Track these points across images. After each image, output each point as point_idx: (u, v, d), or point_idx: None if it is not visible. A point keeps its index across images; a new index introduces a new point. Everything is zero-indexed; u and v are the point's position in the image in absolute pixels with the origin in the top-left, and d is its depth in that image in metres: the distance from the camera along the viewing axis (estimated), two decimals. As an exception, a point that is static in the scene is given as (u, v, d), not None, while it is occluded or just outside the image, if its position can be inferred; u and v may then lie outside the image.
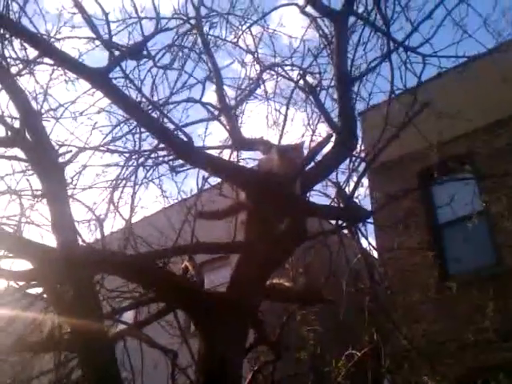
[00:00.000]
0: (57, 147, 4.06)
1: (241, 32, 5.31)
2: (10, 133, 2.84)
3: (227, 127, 4.44)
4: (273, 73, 5.06)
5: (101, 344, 2.28)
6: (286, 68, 5.19)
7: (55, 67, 4.03)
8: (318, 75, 4.56)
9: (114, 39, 4.46)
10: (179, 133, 3.30)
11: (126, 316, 5.26)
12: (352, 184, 4.32)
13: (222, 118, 4.57)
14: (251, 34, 5.34)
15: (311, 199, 4.78)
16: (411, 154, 8.53)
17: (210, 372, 2.50)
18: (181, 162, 4.05)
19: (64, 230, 2.33)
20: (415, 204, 8.65)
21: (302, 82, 4.13)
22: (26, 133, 2.71)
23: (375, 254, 6.36)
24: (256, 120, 5.84)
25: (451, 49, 4.49)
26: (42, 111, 3.65)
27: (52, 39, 4.40)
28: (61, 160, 2.92)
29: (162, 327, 4.67)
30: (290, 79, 4.49)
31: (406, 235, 7.32)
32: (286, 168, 2.83)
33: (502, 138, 8.57)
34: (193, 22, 5.22)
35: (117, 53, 3.66)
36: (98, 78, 3.04)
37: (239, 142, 4.28)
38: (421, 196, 8.81)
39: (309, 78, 4.91)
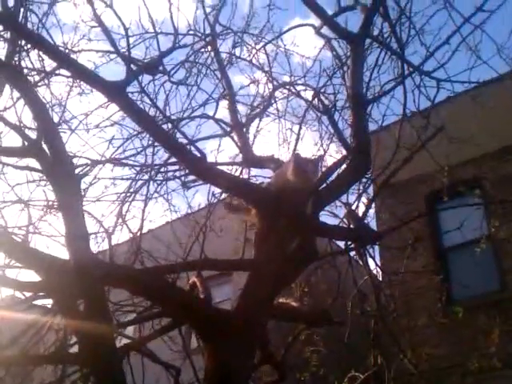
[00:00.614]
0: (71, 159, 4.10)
1: (255, 51, 5.36)
2: (26, 143, 2.86)
3: (238, 144, 4.46)
4: (285, 91, 5.09)
5: (111, 355, 2.27)
6: (299, 87, 5.25)
7: (72, 79, 4.06)
8: (332, 96, 4.59)
9: (132, 54, 4.55)
10: (192, 148, 3.32)
11: (127, 330, 5.25)
12: (361, 205, 4.35)
13: (234, 135, 4.60)
14: (265, 52, 5.40)
15: (321, 219, 4.82)
16: (419, 177, 8.54)
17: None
18: (192, 177, 4.06)
19: (78, 242, 2.32)
20: (422, 227, 8.62)
21: (315, 101, 4.16)
22: (43, 143, 2.72)
23: (381, 275, 6.31)
24: (267, 138, 5.87)
25: (465, 74, 4.51)
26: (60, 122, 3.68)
27: (69, 51, 4.46)
28: (77, 172, 2.93)
29: (165, 342, 4.65)
30: (304, 99, 4.52)
31: (412, 258, 7.28)
32: (301, 180, 2.80)
33: (510, 164, 8.57)
34: (208, 38, 5.28)
35: (134, 67, 3.71)
36: (115, 92, 3.06)
37: (250, 159, 4.29)
38: (427, 219, 8.78)
39: (322, 98, 4.95)
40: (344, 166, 3.17)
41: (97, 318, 2.20)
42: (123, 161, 4.51)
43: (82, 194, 3.86)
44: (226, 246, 4.76)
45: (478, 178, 8.41)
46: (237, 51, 5.52)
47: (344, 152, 3.42)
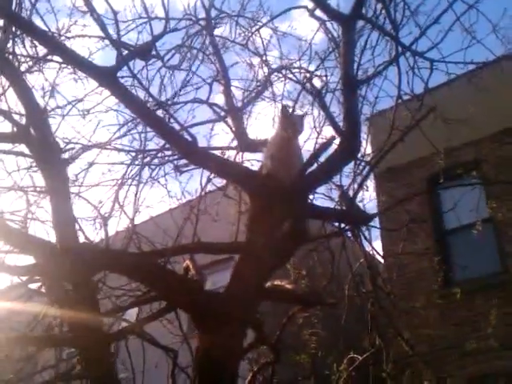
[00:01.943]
0: (64, 144, 4.12)
1: (250, 34, 5.33)
2: (15, 129, 2.87)
3: (233, 128, 4.46)
4: (280, 75, 5.07)
5: (98, 340, 2.30)
6: (295, 71, 5.22)
7: (64, 65, 4.06)
8: (324, 78, 4.57)
9: (124, 39, 4.53)
10: (185, 133, 3.33)
11: (130, 315, 5.30)
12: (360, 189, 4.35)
13: (228, 119, 4.60)
14: (260, 36, 5.37)
15: (315, 202, 4.83)
16: (419, 160, 8.53)
17: (205, 372, 2.52)
18: (185, 161, 4.08)
19: (64, 227, 2.35)
20: (422, 210, 8.62)
21: (308, 84, 4.14)
22: (32, 129, 2.74)
23: (379, 257, 6.33)
24: (262, 122, 5.85)
25: (460, 55, 4.48)
26: (49, 108, 3.69)
27: (62, 37, 4.45)
28: (64, 157, 2.94)
29: (164, 326, 4.70)
30: (297, 82, 4.50)
31: (412, 240, 7.30)
32: (288, 132, 2.86)
33: (509, 146, 8.53)
34: (202, 22, 5.25)
35: (125, 52, 3.70)
36: (106, 77, 3.06)
37: (244, 144, 4.30)
38: (428, 202, 8.79)
39: (316, 81, 4.93)
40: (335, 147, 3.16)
41: (83, 302, 2.23)
42: (118, 146, 4.52)
43: (75, 179, 3.89)
44: (223, 231, 4.79)
45: (478, 161, 8.40)
46: (232, 35, 5.50)
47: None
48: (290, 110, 2.99)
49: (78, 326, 2.24)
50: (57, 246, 2.29)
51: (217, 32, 5.37)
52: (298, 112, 3.78)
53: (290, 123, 2.86)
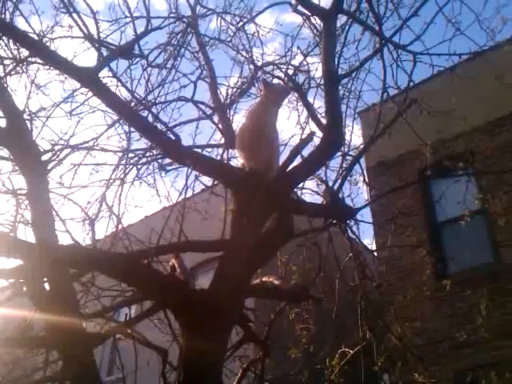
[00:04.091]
0: (50, 146, 4.11)
1: (235, 30, 5.33)
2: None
3: (220, 126, 4.46)
4: (266, 71, 5.06)
5: (78, 341, 2.30)
6: (282, 66, 5.21)
7: (46, 67, 4.05)
8: (311, 73, 4.57)
9: (108, 40, 4.52)
10: (169, 132, 3.32)
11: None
12: (346, 183, 4.35)
13: (215, 117, 4.59)
14: (245, 33, 5.36)
15: (304, 197, 4.83)
16: (411, 153, 8.54)
17: (189, 372, 2.52)
18: (170, 160, 4.07)
19: (43, 228, 2.35)
20: (414, 202, 8.66)
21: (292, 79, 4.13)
22: (11, 132, 2.73)
23: (369, 251, 6.34)
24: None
25: (444, 47, 4.49)
26: (33, 110, 3.69)
27: (46, 39, 4.44)
28: (45, 159, 2.94)
29: (155, 325, 4.70)
30: (280, 78, 4.50)
31: (405, 233, 7.32)
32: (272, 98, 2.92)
33: (501, 136, 8.55)
34: (187, 20, 5.24)
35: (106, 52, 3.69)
36: (87, 78, 3.06)
37: (232, 141, 4.29)
38: (419, 194, 8.81)
39: (302, 77, 4.93)
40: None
41: (62, 302, 2.23)
42: (105, 147, 4.51)
43: (62, 181, 3.89)
44: (216, 229, 4.79)
45: (470, 152, 8.41)
46: (218, 31, 5.49)
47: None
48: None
49: (57, 328, 2.24)
50: (36, 247, 2.29)
51: (202, 29, 5.38)
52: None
53: (278, 90, 2.90)
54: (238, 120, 5.13)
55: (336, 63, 3.57)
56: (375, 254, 7.42)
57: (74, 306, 2.32)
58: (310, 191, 4.55)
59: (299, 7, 4.48)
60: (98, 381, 2.37)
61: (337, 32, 3.91)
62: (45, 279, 2.35)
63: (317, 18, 4.43)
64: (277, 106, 3.03)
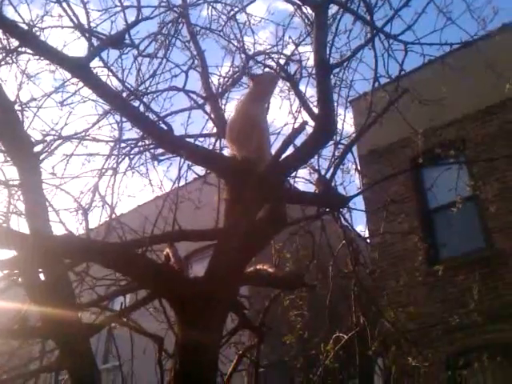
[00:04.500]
0: (41, 136, 4.10)
1: (226, 20, 5.31)
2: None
3: (212, 115, 4.46)
4: (258, 61, 5.06)
5: (74, 331, 2.32)
6: (274, 56, 5.21)
7: (37, 57, 4.04)
8: (303, 62, 4.58)
9: (99, 29, 4.51)
10: (160, 122, 3.34)
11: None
12: (339, 171, 4.38)
13: (207, 106, 4.60)
14: (236, 22, 5.35)
15: (297, 186, 4.86)
16: (403, 141, 8.58)
17: (184, 359, 2.55)
18: (162, 150, 4.08)
19: (37, 219, 2.36)
20: (406, 190, 8.72)
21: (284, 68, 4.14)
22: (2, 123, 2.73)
23: (362, 238, 6.40)
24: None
25: (435, 36, 4.50)
26: (24, 101, 3.68)
27: (35, 28, 4.42)
28: (37, 150, 2.94)
29: (151, 314, 4.73)
30: (271, 68, 4.50)
31: (397, 220, 7.38)
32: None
33: (492, 124, 8.61)
34: (179, 10, 5.22)
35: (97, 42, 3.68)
36: (78, 68, 3.05)
37: (223, 130, 4.30)
38: (411, 182, 8.87)
39: (294, 66, 4.94)
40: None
41: (57, 293, 2.25)
42: (97, 137, 4.51)
43: (54, 171, 3.89)
44: (204, 218, 4.81)
45: (461, 139, 8.46)
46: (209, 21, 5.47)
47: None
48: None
49: (53, 318, 2.27)
50: (31, 237, 2.30)
51: (193, 18, 5.36)
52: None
53: (264, 80, 2.92)
54: (230, 109, 5.13)
55: (328, 53, 3.58)
56: (368, 240, 7.49)
57: (69, 295, 2.34)
58: (303, 180, 4.56)
59: (290, -4, 4.48)
60: (94, 369, 2.40)
61: (328, 22, 3.92)
62: (39, 270, 2.37)
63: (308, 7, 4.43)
64: (265, 96, 3.05)
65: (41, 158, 3.88)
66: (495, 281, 7.46)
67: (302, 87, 5.96)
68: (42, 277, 2.49)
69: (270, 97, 3.13)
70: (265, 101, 3.09)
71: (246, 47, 5.21)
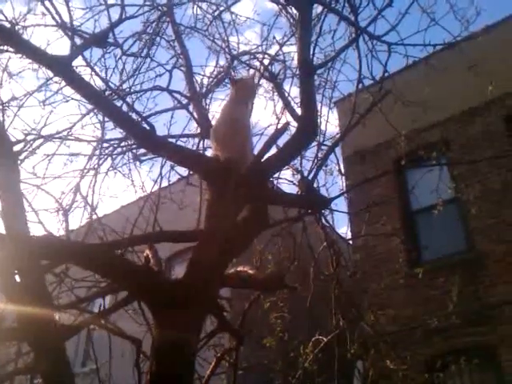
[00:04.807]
0: (23, 136, 4.04)
1: (211, 19, 5.29)
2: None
3: (195, 116, 4.43)
4: (242, 61, 5.04)
5: (49, 333, 2.29)
6: (258, 56, 5.19)
7: (19, 55, 3.97)
8: (283, 63, 4.56)
9: (82, 28, 4.45)
10: (143, 122, 3.29)
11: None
12: (322, 172, 4.38)
13: (190, 106, 4.56)
14: (222, 21, 5.32)
15: (281, 187, 4.85)
16: (387, 142, 8.62)
17: (160, 361, 2.52)
18: (144, 150, 4.05)
19: (14, 219, 2.32)
20: (389, 191, 8.75)
21: (268, 69, 4.13)
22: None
23: (344, 240, 6.40)
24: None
25: (419, 37, 4.51)
26: (6, 99, 3.62)
27: (18, 26, 4.35)
28: (17, 149, 2.88)
29: (130, 316, 4.69)
30: (255, 68, 4.49)
31: (380, 222, 7.41)
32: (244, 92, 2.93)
33: (475, 126, 8.68)
34: (163, 8, 5.18)
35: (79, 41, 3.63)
36: (60, 67, 3.01)
37: (207, 130, 4.27)
38: (395, 183, 8.91)
39: (278, 66, 4.93)
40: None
41: (33, 295, 2.22)
42: (80, 137, 4.46)
43: (34, 171, 3.84)
44: (186, 219, 4.78)
45: (445, 141, 8.52)
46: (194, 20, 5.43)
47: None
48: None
49: (28, 320, 2.23)
50: (5, 237, 2.26)
51: (178, 17, 5.32)
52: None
53: (245, 86, 2.91)
54: (214, 110, 5.11)
55: (312, 53, 3.57)
56: (350, 242, 7.50)
57: (45, 297, 2.30)
58: (286, 181, 4.56)
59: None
60: (69, 373, 2.36)
61: (312, 22, 3.91)
62: (16, 271, 2.32)
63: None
64: (247, 100, 3.04)
65: (21, 157, 3.82)
66: (475, 284, 7.53)
67: (286, 87, 5.95)
68: (17, 278, 2.45)
69: (253, 99, 3.11)
70: (247, 104, 3.07)
71: (231, 47, 5.19)
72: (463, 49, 5.08)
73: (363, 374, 5.11)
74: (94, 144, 4.56)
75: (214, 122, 4.21)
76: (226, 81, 5.09)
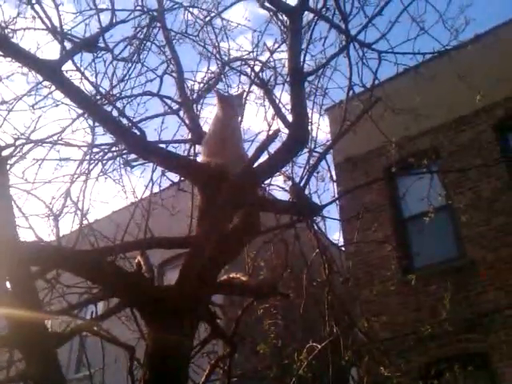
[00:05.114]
0: (12, 140, 4.01)
1: (202, 25, 5.29)
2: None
3: (186, 121, 4.42)
4: (233, 68, 5.04)
5: (40, 340, 2.26)
6: (250, 62, 5.20)
7: (8, 59, 3.95)
8: (273, 69, 4.57)
9: (72, 32, 4.44)
10: (133, 127, 3.29)
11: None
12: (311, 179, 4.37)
13: (181, 112, 4.56)
14: (213, 27, 5.33)
15: (272, 193, 4.85)
16: (378, 150, 8.65)
17: (154, 368, 2.51)
18: (135, 156, 4.03)
19: (4, 224, 2.30)
20: (381, 198, 8.79)
21: (259, 75, 4.14)
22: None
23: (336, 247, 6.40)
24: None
25: (408, 46, 4.53)
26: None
27: (7, 30, 4.33)
28: (5, 154, 2.86)
29: (123, 323, 4.65)
30: (246, 75, 4.50)
31: (372, 228, 7.41)
32: (227, 112, 2.93)
33: (465, 134, 8.74)
34: (154, 13, 5.18)
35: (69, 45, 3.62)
36: (49, 71, 3.00)
37: (198, 136, 4.27)
38: (386, 190, 8.94)
39: (269, 73, 4.94)
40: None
41: (24, 301, 2.20)
42: (70, 141, 4.43)
43: (24, 176, 3.82)
44: (178, 225, 4.76)
45: (435, 149, 8.56)
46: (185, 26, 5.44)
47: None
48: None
49: (19, 326, 2.20)
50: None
51: (169, 22, 5.32)
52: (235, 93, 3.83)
53: (229, 105, 2.91)
54: (205, 115, 5.10)
55: (302, 60, 3.58)
56: (342, 249, 7.50)
57: (35, 304, 2.28)
58: (277, 188, 4.55)
59: (266, 3, 4.48)
60: (61, 379, 2.34)
61: (303, 29, 3.93)
62: (6, 277, 2.30)
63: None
64: (235, 115, 3.04)
65: (11, 162, 3.79)
66: (467, 290, 7.55)
67: (277, 93, 5.96)
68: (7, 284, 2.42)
69: (241, 113, 3.11)
70: (235, 117, 3.07)
71: (222, 53, 5.19)
72: (453, 57, 5.11)
73: (358, 381, 5.09)
74: (85, 149, 4.53)
75: (205, 129, 4.23)
76: (218, 87, 5.09)
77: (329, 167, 5.30)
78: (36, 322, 2.23)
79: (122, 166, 4.26)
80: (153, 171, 4.22)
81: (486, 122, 8.67)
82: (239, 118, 3.08)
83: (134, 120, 4.09)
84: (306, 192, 3.57)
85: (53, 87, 4.37)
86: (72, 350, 10.94)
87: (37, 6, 3.47)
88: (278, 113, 3.24)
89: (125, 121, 3.55)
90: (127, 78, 4.76)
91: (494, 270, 7.66)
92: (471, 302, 7.44)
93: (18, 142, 3.91)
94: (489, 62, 8.49)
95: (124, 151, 4.23)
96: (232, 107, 2.92)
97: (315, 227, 4.23)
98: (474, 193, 8.34)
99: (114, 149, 4.59)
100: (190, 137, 4.48)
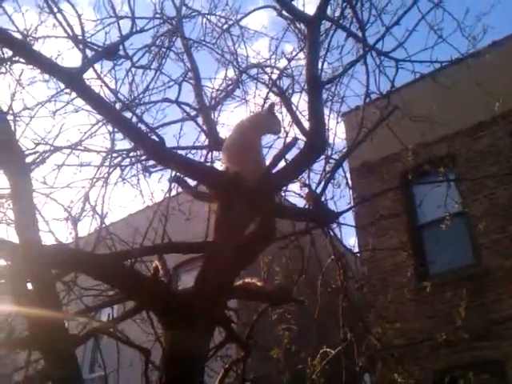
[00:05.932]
0: (33, 146, 4.10)
1: (220, 32, 5.35)
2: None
3: (204, 127, 4.48)
4: (250, 75, 5.10)
5: (60, 341, 2.32)
6: (267, 69, 5.25)
7: (30, 66, 4.04)
8: (291, 77, 4.61)
9: (92, 39, 4.52)
10: (152, 134, 3.34)
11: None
12: (330, 186, 4.40)
13: (199, 118, 4.62)
14: (230, 35, 5.39)
15: (288, 199, 4.88)
16: (394, 156, 8.64)
17: (171, 372, 2.55)
18: (153, 162, 4.09)
19: (27, 228, 2.36)
20: (396, 205, 8.76)
21: (276, 83, 4.18)
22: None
23: (351, 253, 6.40)
24: (234, 121, 5.87)
25: (426, 54, 4.55)
26: (16, 110, 3.68)
27: (29, 38, 4.42)
28: (28, 160, 2.94)
29: (138, 325, 4.72)
30: (263, 83, 4.54)
31: (387, 235, 7.41)
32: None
33: (482, 141, 8.69)
34: (173, 22, 5.26)
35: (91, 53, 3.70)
36: (71, 79, 3.06)
37: (215, 143, 4.32)
38: (402, 197, 8.92)
39: (286, 80, 4.98)
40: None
41: (45, 303, 2.25)
42: (89, 147, 4.51)
43: (45, 181, 3.89)
44: (195, 230, 4.81)
45: (452, 155, 8.53)
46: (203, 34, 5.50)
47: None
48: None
49: (39, 327, 2.26)
50: (18, 247, 2.30)
51: (187, 30, 5.40)
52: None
53: (277, 121, 2.96)
54: (223, 122, 5.16)
55: (320, 68, 3.61)
56: (357, 255, 7.50)
57: (56, 306, 2.34)
58: (293, 194, 4.59)
59: (284, 12, 4.53)
60: (80, 380, 2.40)
61: (321, 37, 3.96)
62: (27, 279, 2.37)
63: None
64: (265, 129, 3.10)
65: (32, 167, 3.88)
66: (482, 298, 7.50)
67: (295, 100, 5.99)
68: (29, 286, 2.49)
69: (270, 130, 3.16)
70: (263, 132, 3.11)
71: (240, 60, 5.25)
72: (470, 65, 5.11)
73: (371, 388, 5.10)
74: (104, 154, 4.61)
75: (223, 135, 4.28)
76: (235, 93, 5.15)
77: (345, 173, 5.33)
78: (57, 323, 2.29)
79: (141, 171, 4.32)
80: (171, 177, 4.28)
81: (503, 129, 8.61)
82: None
83: (153, 126, 4.15)
84: (322, 199, 3.58)
85: (73, 94, 4.46)
86: (86, 350, 11.06)
87: (59, 15, 3.56)
88: (296, 120, 3.27)
89: (143, 127, 3.60)
90: (146, 85, 4.82)
91: (510, 278, 7.60)
92: (486, 310, 7.39)
93: (38, 148, 4.00)
94: (506, 68, 8.44)
95: (142, 157, 4.30)
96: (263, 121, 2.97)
97: (331, 233, 4.25)
98: (491, 200, 8.28)
99: (132, 154, 4.67)
100: (207, 143, 4.54)
